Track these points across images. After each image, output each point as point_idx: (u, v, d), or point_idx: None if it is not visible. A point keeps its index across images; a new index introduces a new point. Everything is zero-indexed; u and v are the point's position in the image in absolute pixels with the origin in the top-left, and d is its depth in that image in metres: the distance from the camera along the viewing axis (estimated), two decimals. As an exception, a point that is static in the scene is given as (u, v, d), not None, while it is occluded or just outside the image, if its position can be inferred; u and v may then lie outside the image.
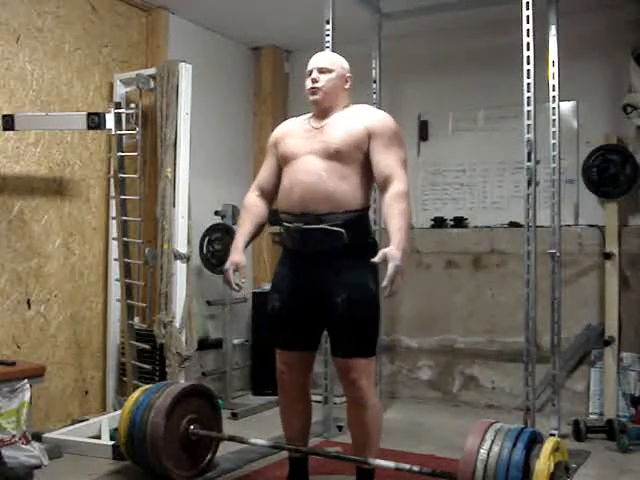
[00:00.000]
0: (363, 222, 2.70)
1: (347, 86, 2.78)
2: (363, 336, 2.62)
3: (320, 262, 2.64)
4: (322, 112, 2.73)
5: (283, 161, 2.76)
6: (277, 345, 2.81)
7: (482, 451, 2.36)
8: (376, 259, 2.44)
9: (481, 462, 2.34)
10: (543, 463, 2.31)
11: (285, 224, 2.72)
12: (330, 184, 2.60)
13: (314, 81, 2.71)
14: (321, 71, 2.71)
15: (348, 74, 2.79)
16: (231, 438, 3.15)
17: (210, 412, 3.21)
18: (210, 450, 3.18)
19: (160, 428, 2.92)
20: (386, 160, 2.61)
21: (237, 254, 2.82)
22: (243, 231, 2.86)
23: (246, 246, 2.86)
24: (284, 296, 2.76)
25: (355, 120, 2.67)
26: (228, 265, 2.82)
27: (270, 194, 2.88)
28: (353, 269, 2.62)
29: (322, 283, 2.64)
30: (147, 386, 3.25)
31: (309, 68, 2.76)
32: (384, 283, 2.41)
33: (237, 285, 2.82)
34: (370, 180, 2.71)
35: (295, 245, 2.70)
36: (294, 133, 2.78)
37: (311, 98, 2.74)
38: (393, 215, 2.54)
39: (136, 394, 3.14)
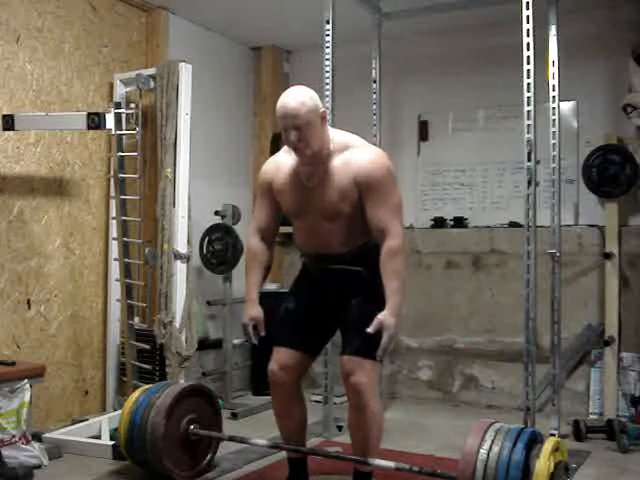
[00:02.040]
0: (375, 245, 2.69)
1: (324, 122, 2.62)
2: (374, 338, 2.62)
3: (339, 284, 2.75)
4: (309, 163, 2.63)
5: (287, 213, 2.80)
6: (280, 342, 2.80)
7: (482, 451, 2.36)
8: (371, 329, 2.48)
9: (481, 462, 2.34)
10: (543, 463, 2.30)
11: (304, 255, 2.84)
12: (340, 237, 2.67)
13: (295, 144, 2.55)
14: (297, 128, 2.52)
15: (321, 110, 2.59)
16: (231, 438, 3.15)
17: (210, 412, 3.21)
18: (210, 450, 3.18)
19: (160, 428, 2.92)
20: (378, 214, 2.57)
21: (254, 308, 2.82)
22: (254, 281, 2.83)
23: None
24: (300, 299, 2.84)
25: (344, 173, 2.59)
26: (247, 321, 2.81)
27: (271, 235, 2.88)
28: (369, 277, 2.67)
29: (339, 290, 2.73)
30: (147, 386, 3.25)
31: (282, 125, 2.55)
32: (378, 352, 2.50)
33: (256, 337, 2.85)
34: None
35: (316, 275, 2.80)
36: (290, 188, 2.71)
37: (297, 156, 2.63)
38: (388, 277, 2.55)
39: (136, 394, 3.14)
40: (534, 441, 2.43)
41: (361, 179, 2.56)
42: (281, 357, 2.77)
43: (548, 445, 2.39)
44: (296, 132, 2.52)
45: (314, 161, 2.61)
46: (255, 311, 2.81)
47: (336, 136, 2.67)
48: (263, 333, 2.83)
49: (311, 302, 2.80)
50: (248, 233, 2.95)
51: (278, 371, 2.76)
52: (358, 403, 2.63)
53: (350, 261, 2.68)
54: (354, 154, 2.61)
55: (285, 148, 2.74)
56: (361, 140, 2.70)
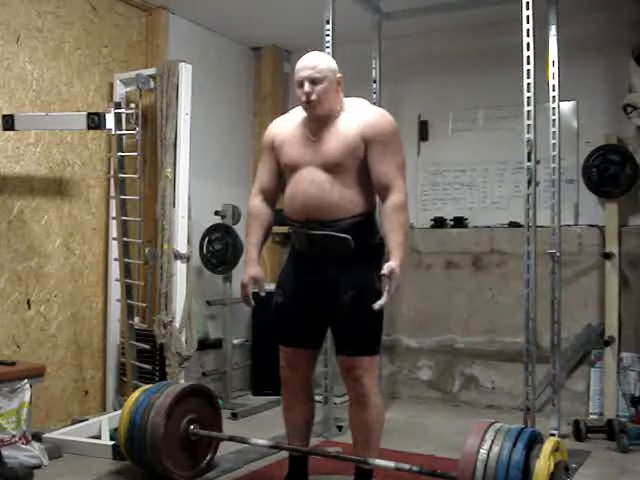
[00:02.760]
0: (369, 224, 2.71)
1: (340, 88, 2.67)
2: (368, 334, 2.64)
3: (327, 262, 2.66)
4: (318, 120, 2.65)
5: (285, 168, 2.76)
6: (280, 342, 2.82)
7: (482, 451, 2.36)
8: (385, 271, 2.45)
9: (481, 462, 2.34)
10: (543, 463, 2.30)
11: (292, 227, 2.75)
12: (334, 194, 2.60)
13: (308, 94, 2.58)
14: (313, 82, 2.58)
15: (339, 75, 2.67)
16: (231, 438, 3.15)
17: (210, 412, 3.21)
18: (210, 450, 3.18)
19: (160, 428, 2.92)
20: (383, 168, 2.59)
21: (254, 267, 2.78)
22: (254, 240, 2.81)
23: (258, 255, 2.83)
24: (288, 293, 2.77)
25: (350, 127, 2.60)
26: (247, 280, 2.77)
27: (273, 196, 2.86)
28: (359, 268, 2.63)
29: (328, 281, 2.65)
30: (147, 386, 3.25)
31: (298, 78, 2.62)
32: (383, 299, 2.45)
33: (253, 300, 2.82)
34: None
35: (302, 248, 2.72)
36: (292, 141, 2.71)
37: (307, 110, 2.65)
38: (392, 229, 2.56)
39: (136, 394, 3.14)
40: (534, 441, 2.43)
41: (368, 133, 2.58)
42: (286, 355, 2.80)
43: (548, 445, 2.39)
44: (311, 85, 2.57)
45: (323, 119, 2.64)
46: (255, 270, 2.78)
47: (348, 100, 2.72)
48: (263, 294, 2.79)
49: (300, 293, 2.72)
50: (251, 195, 2.88)
51: (287, 369, 2.80)
52: (359, 399, 2.65)
53: (341, 232, 2.61)
54: (363, 110, 2.67)
55: (294, 109, 2.78)
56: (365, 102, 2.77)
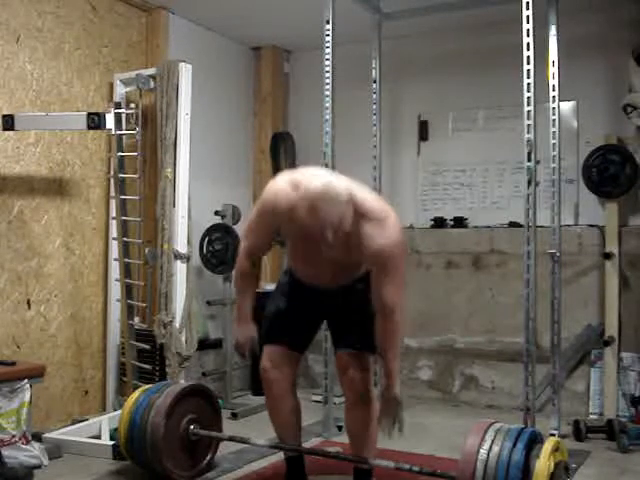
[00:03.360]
0: None
1: (349, 204, 2.41)
2: (366, 332, 2.64)
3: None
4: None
5: (288, 234, 2.73)
6: (271, 340, 2.81)
7: (482, 451, 2.36)
8: (385, 400, 2.55)
9: (481, 462, 2.34)
10: (543, 463, 2.30)
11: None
12: (344, 275, 2.69)
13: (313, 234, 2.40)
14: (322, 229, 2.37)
15: (346, 196, 2.39)
16: (231, 438, 3.15)
17: (210, 412, 3.21)
18: (210, 450, 3.18)
19: (160, 428, 2.92)
20: (383, 289, 2.50)
21: (250, 328, 2.81)
22: (248, 303, 2.81)
23: None
24: (288, 299, 2.83)
25: (356, 241, 2.47)
26: (244, 340, 2.80)
27: (262, 257, 2.84)
28: (360, 280, 2.70)
29: (330, 292, 2.74)
30: (147, 386, 3.25)
31: (305, 223, 2.38)
32: (384, 424, 2.54)
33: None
34: None
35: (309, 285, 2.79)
36: (298, 228, 2.47)
37: None
38: (387, 348, 2.55)
39: (136, 394, 3.14)
40: (534, 441, 2.43)
41: (372, 256, 2.49)
42: (272, 355, 2.79)
43: (548, 445, 2.39)
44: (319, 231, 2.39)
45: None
46: (252, 330, 2.82)
47: (353, 200, 2.46)
48: (258, 353, 2.83)
49: (299, 302, 2.80)
50: (240, 252, 2.81)
51: (270, 369, 2.77)
52: (357, 393, 2.67)
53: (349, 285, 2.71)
54: (369, 229, 2.46)
55: (291, 180, 2.53)
56: (376, 203, 2.53)
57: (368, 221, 2.46)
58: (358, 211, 2.45)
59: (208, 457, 3.17)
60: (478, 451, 2.36)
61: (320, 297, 2.76)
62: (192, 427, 3.07)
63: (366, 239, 2.45)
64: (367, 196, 2.53)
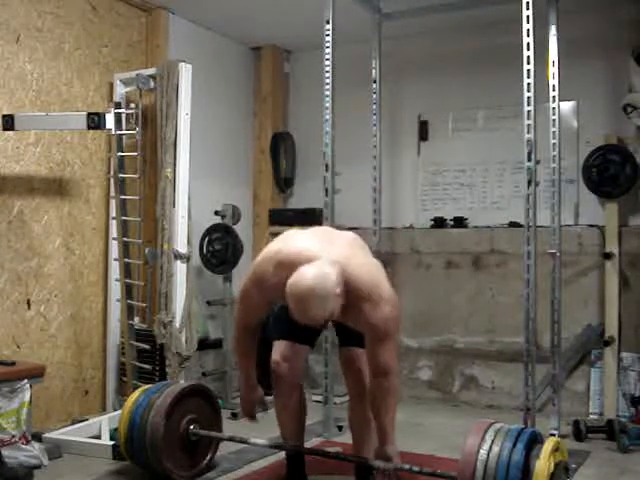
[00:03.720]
0: None
1: (339, 297, 2.38)
2: None
3: None
4: None
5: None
6: (282, 336, 2.84)
7: (482, 451, 2.36)
8: (383, 463, 2.56)
9: (481, 462, 2.34)
10: (543, 463, 2.30)
11: None
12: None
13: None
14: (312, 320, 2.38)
15: (337, 291, 2.35)
16: (231, 438, 3.15)
17: (210, 412, 3.21)
18: (210, 450, 3.18)
19: (160, 428, 2.92)
20: (377, 353, 2.52)
21: (255, 393, 2.86)
22: (249, 368, 2.84)
23: None
24: None
25: (353, 319, 2.53)
26: (253, 404, 2.86)
27: (258, 327, 2.79)
28: None
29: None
30: (147, 386, 3.25)
31: (298, 318, 2.38)
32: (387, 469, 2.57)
33: None
34: None
35: None
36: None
37: None
38: (382, 412, 2.57)
39: (136, 394, 3.14)
40: (534, 441, 2.43)
41: (368, 329, 2.50)
42: (283, 349, 2.82)
43: (548, 445, 2.39)
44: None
45: None
46: (260, 395, 2.87)
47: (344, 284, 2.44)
48: (267, 410, 2.89)
49: None
50: (236, 326, 2.81)
51: (281, 363, 2.80)
52: (360, 392, 2.71)
53: None
54: (365, 307, 2.46)
55: (277, 260, 2.52)
56: (368, 280, 2.49)
57: (364, 301, 2.45)
58: (353, 293, 2.43)
59: (208, 457, 3.17)
60: (478, 451, 2.36)
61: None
62: (192, 427, 3.07)
63: (362, 315, 2.47)
64: (362, 275, 2.48)
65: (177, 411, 3.02)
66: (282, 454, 3.05)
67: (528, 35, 3.37)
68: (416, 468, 2.61)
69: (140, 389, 3.21)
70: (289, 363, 2.81)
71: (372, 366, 2.56)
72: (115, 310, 4.19)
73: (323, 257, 2.42)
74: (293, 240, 2.61)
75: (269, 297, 2.62)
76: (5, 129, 3.63)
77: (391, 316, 2.48)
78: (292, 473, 2.92)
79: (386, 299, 2.48)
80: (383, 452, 2.58)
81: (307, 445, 3.04)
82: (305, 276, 2.31)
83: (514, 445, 2.36)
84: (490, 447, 2.37)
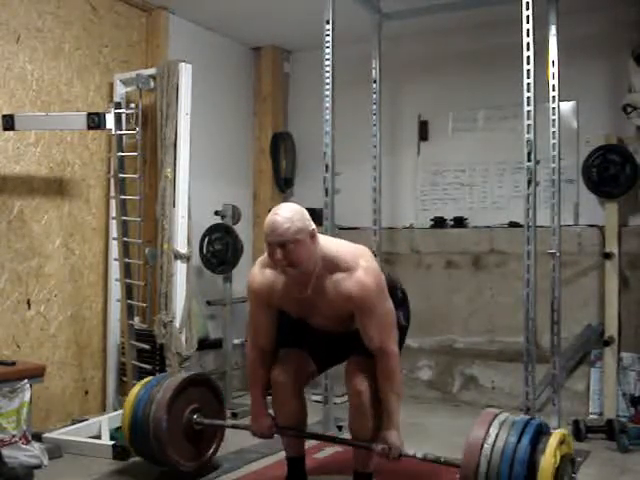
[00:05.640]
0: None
1: (314, 241, 2.53)
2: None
3: None
4: (294, 277, 2.58)
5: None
6: (285, 344, 2.84)
7: (486, 445, 2.33)
8: (385, 446, 2.59)
9: (485, 457, 2.30)
10: (549, 458, 2.27)
11: None
12: (348, 326, 2.69)
13: (279, 261, 2.48)
14: (283, 246, 2.45)
15: (310, 228, 2.51)
16: (234, 426, 3.19)
17: (213, 401, 3.21)
18: (215, 439, 3.18)
19: (163, 423, 2.92)
20: (371, 332, 2.57)
21: (265, 421, 2.84)
22: (259, 396, 2.86)
23: None
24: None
25: (335, 295, 2.57)
26: (267, 432, 2.84)
27: (270, 347, 2.82)
28: None
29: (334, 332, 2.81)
30: (147, 379, 3.24)
31: (267, 240, 2.49)
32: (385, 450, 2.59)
33: None
34: None
35: None
36: (284, 298, 2.67)
37: (280, 272, 2.58)
38: (387, 397, 2.61)
39: (136, 389, 3.14)
40: (540, 433, 2.41)
41: (353, 305, 2.55)
42: (283, 358, 2.81)
43: (554, 439, 2.35)
44: (281, 250, 2.46)
45: (300, 277, 2.56)
46: (271, 422, 2.84)
47: (324, 251, 2.57)
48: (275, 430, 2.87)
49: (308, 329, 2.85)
50: (248, 345, 2.89)
51: (280, 372, 2.79)
52: (357, 404, 2.67)
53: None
54: (342, 280, 2.55)
55: (267, 257, 2.63)
56: (349, 252, 2.61)
57: (341, 272, 2.55)
58: (331, 264, 2.55)
59: (214, 446, 3.17)
60: (482, 445, 2.33)
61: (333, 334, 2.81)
62: (195, 417, 3.07)
63: (337, 287, 2.54)
64: (342, 248, 2.62)
65: (179, 402, 3.02)
66: (282, 454, 3.04)
67: (528, 35, 3.37)
68: (420, 455, 2.60)
69: (139, 383, 3.21)
70: (287, 374, 2.78)
71: (370, 347, 2.59)
72: (115, 310, 4.19)
73: None
74: None
75: (266, 303, 2.71)
76: (5, 129, 3.63)
77: (366, 283, 2.52)
78: (292, 474, 2.91)
79: (364, 267, 2.55)
80: (386, 437, 2.57)
81: (307, 445, 3.03)
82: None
83: (519, 438, 2.34)
84: (494, 441, 2.34)
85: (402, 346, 2.80)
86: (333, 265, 2.57)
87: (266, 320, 2.76)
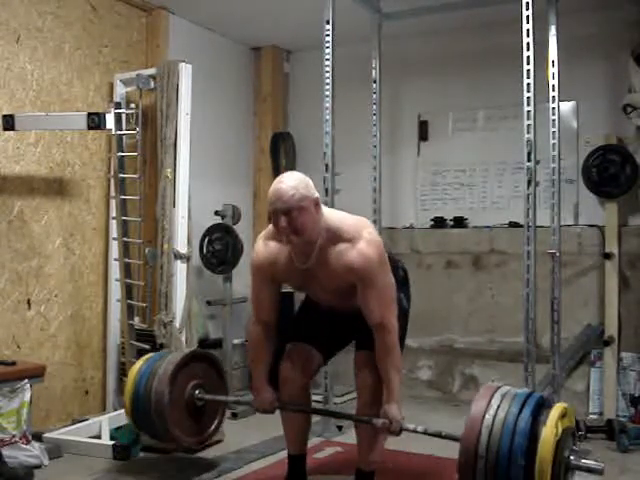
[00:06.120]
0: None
1: (318, 209, 2.54)
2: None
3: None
4: (300, 249, 2.59)
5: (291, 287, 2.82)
6: (294, 339, 2.85)
7: (487, 417, 2.30)
8: (385, 421, 2.56)
9: (486, 428, 2.26)
10: (550, 430, 2.24)
11: None
12: (348, 301, 2.66)
13: (284, 229, 2.47)
14: (287, 213, 2.45)
15: (314, 196, 2.52)
16: (237, 402, 3.24)
17: (214, 377, 3.22)
18: (217, 414, 3.19)
19: (165, 397, 2.92)
20: (371, 305, 2.56)
21: (267, 394, 2.81)
22: (261, 372, 2.83)
23: None
24: (312, 310, 2.89)
25: (337, 265, 2.55)
26: (269, 407, 2.81)
27: (273, 322, 2.80)
28: None
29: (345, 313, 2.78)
30: (149, 355, 3.25)
31: (272, 209, 2.49)
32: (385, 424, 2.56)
33: None
34: None
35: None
36: (289, 271, 2.67)
37: (284, 240, 2.56)
38: (387, 373, 2.59)
39: (138, 364, 3.14)
40: (542, 405, 2.37)
41: (354, 277, 2.54)
42: (292, 354, 2.82)
43: (555, 412, 2.30)
44: (285, 217, 2.46)
45: (304, 246, 2.56)
46: (272, 397, 2.81)
47: (327, 222, 2.57)
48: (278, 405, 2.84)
49: (319, 313, 2.85)
50: (249, 319, 2.87)
51: (289, 368, 2.80)
52: (367, 397, 2.68)
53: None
54: (345, 250, 2.54)
55: (270, 230, 2.66)
56: (352, 224, 2.60)
57: (343, 243, 2.55)
58: (334, 235, 2.55)
59: (216, 421, 3.18)
60: (484, 417, 2.30)
61: (336, 314, 2.80)
62: (197, 392, 3.07)
63: (340, 257, 2.54)
64: (345, 220, 2.62)
65: (181, 377, 3.02)
66: (282, 454, 3.05)
67: (528, 35, 3.37)
68: (420, 428, 2.59)
69: (141, 358, 3.20)
70: (296, 369, 2.79)
71: (369, 321, 2.58)
72: (115, 310, 4.19)
73: None
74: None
75: (270, 277, 2.71)
76: (5, 129, 3.63)
77: (367, 253, 2.51)
78: (292, 473, 2.91)
79: (367, 239, 2.54)
80: (387, 411, 2.56)
81: (307, 446, 3.03)
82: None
83: (521, 409, 2.30)
84: (496, 412, 2.31)
85: (404, 335, 2.80)
86: (336, 236, 2.56)
87: (269, 294, 2.76)
